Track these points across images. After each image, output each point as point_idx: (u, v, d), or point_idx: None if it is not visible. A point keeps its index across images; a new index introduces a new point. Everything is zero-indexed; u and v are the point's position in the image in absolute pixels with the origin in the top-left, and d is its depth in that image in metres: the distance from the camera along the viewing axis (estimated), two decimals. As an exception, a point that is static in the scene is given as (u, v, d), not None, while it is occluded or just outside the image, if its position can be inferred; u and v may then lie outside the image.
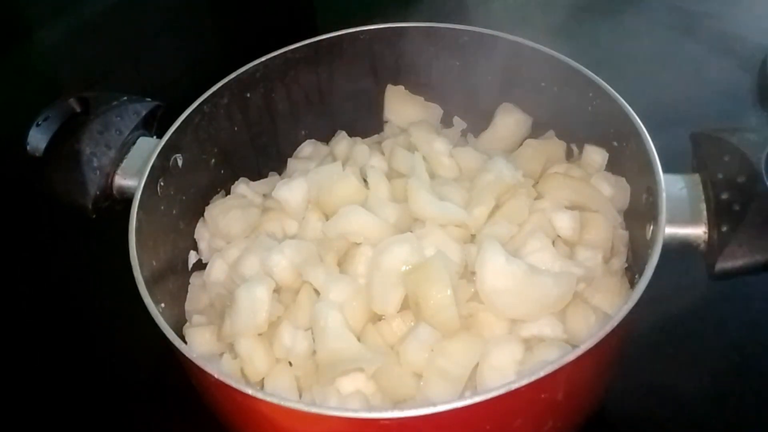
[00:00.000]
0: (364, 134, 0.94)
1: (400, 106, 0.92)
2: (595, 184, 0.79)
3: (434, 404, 0.54)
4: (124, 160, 0.78)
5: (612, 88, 0.75)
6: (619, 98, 0.74)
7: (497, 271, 0.67)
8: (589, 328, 0.68)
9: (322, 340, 0.67)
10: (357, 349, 0.67)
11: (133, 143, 0.80)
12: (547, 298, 0.68)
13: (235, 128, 0.87)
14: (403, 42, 0.87)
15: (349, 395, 0.65)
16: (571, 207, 0.77)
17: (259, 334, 0.71)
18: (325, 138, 0.94)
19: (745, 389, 0.79)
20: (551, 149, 0.84)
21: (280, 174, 0.92)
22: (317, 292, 0.72)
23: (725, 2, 1.26)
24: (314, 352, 0.68)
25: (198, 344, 0.74)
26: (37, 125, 0.78)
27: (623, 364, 0.68)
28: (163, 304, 0.71)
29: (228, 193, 0.88)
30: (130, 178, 0.77)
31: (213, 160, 0.86)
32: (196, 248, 0.85)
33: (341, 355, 0.66)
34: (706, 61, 1.16)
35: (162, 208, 0.77)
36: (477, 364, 0.66)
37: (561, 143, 0.85)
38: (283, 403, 0.56)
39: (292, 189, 0.80)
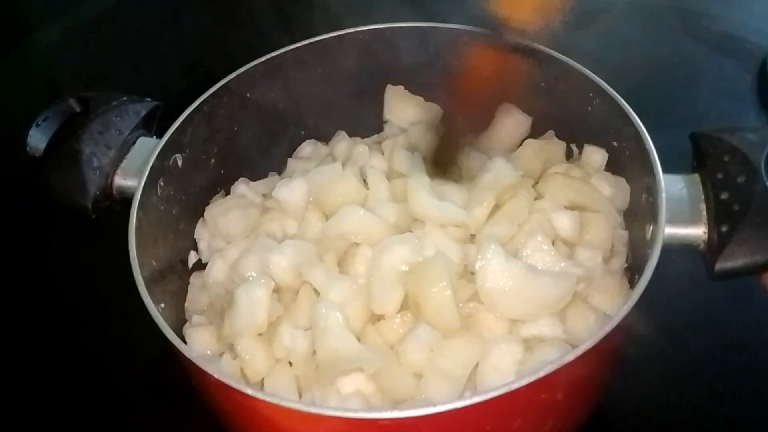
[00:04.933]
0: (364, 134, 0.94)
1: (400, 106, 0.92)
2: (595, 184, 0.79)
3: (434, 404, 0.54)
4: (124, 160, 0.79)
5: (612, 88, 0.75)
6: (619, 98, 0.74)
7: (497, 271, 0.67)
8: (589, 328, 0.68)
9: (322, 340, 0.67)
10: (357, 349, 0.67)
11: (133, 143, 0.80)
12: (547, 298, 0.68)
13: (235, 128, 0.87)
14: (403, 42, 0.87)
15: (349, 395, 0.65)
16: (571, 207, 0.77)
17: (259, 334, 0.71)
18: (325, 138, 0.94)
19: (745, 389, 0.79)
20: (551, 149, 0.84)
21: (280, 174, 0.91)
22: (317, 292, 0.72)
23: (725, 2, 1.26)
24: (314, 352, 0.68)
25: (198, 344, 0.74)
26: (37, 125, 0.78)
27: (623, 364, 0.68)
28: (163, 304, 0.71)
29: (228, 193, 0.88)
30: (130, 178, 0.77)
31: (213, 160, 0.86)
32: (196, 248, 0.85)
33: (341, 355, 0.66)
34: (706, 61, 1.16)
35: (162, 208, 0.77)
36: (477, 364, 0.66)
37: (561, 143, 0.85)
38: (283, 403, 0.56)
39: (292, 189, 0.80)
